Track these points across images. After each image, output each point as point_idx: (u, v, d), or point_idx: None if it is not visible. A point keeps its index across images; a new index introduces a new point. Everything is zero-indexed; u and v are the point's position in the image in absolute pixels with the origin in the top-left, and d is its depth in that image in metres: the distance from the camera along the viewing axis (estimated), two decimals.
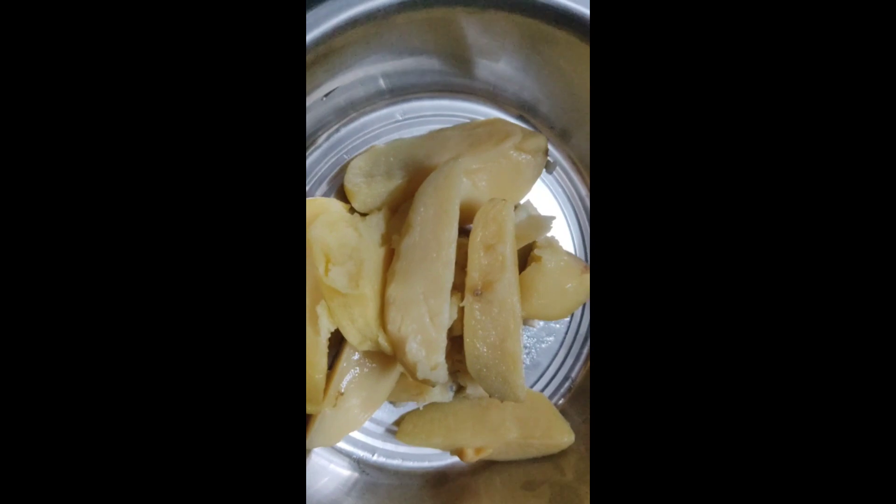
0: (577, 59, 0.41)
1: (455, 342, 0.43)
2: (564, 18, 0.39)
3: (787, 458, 0.24)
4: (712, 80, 0.25)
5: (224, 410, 0.25)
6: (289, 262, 0.26)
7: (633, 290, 0.25)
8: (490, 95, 0.50)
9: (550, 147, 0.50)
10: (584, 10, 0.38)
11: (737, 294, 0.25)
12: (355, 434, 0.49)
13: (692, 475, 0.24)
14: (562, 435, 0.46)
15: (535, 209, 0.49)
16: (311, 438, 0.43)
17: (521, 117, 0.50)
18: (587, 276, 0.47)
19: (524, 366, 0.50)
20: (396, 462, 0.49)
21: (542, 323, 0.50)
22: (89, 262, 0.24)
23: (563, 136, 0.50)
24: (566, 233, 0.51)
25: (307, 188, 0.49)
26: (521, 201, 0.49)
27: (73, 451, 0.24)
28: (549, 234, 0.49)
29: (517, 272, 0.43)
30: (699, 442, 0.25)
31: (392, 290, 0.39)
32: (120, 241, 0.24)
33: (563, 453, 0.47)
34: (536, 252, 0.46)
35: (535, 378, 0.50)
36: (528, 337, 0.50)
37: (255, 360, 0.25)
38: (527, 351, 0.50)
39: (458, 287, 0.40)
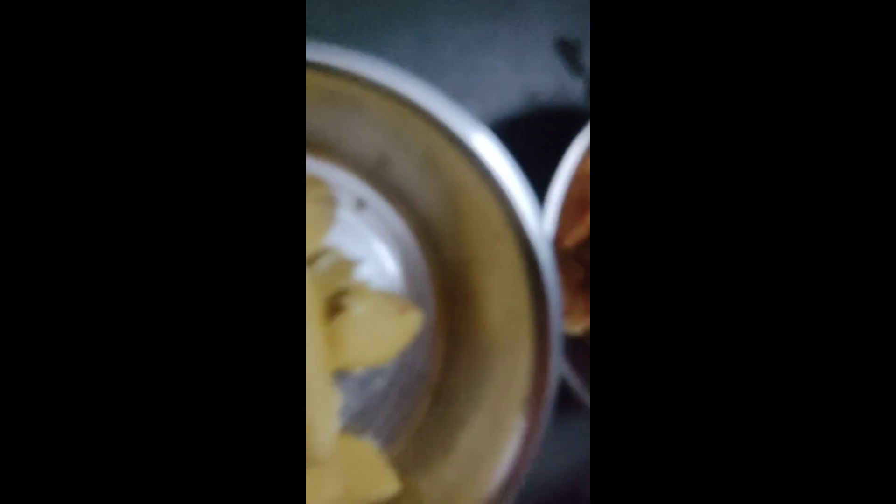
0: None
1: None
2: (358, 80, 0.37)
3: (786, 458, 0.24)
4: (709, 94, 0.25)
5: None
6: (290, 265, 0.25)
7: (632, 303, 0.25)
8: None
9: (361, 185, 0.49)
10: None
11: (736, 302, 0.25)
12: None
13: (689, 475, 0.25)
14: (386, 484, 0.46)
15: (341, 253, 0.48)
16: None
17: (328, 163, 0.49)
18: (408, 315, 0.47)
19: (351, 414, 0.49)
20: None
21: (364, 368, 0.49)
22: (71, 276, 0.23)
23: (371, 174, 0.49)
24: (382, 270, 0.50)
25: None
26: (325, 246, 0.48)
27: (72, 465, 0.22)
28: (363, 276, 0.48)
29: (318, 328, 0.42)
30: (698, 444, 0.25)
31: None
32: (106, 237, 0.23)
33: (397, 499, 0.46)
34: (343, 300, 0.45)
35: (366, 424, 0.49)
36: (355, 385, 0.49)
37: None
38: (353, 398, 0.49)
39: None
